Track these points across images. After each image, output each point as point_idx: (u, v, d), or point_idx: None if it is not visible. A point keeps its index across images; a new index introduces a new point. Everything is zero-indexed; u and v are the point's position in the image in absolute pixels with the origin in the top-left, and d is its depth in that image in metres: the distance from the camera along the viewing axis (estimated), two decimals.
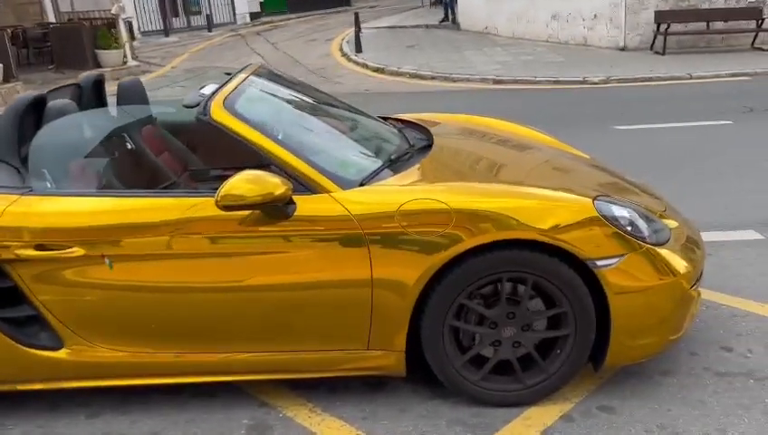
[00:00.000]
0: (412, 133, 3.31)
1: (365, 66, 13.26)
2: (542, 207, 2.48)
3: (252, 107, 2.74)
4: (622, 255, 2.50)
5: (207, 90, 2.80)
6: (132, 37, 17.84)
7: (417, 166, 2.81)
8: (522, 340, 2.59)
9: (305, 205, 2.44)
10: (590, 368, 2.70)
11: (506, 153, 3.26)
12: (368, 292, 2.45)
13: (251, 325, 2.55)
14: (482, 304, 2.56)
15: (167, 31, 18.88)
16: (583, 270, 2.48)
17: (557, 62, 12.20)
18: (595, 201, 2.55)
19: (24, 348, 2.54)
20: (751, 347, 3.05)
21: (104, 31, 13.46)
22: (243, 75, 3.04)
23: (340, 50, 15.34)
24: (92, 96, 3.40)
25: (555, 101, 9.49)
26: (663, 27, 12.22)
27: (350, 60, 14.19)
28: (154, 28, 19.23)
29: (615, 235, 2.50)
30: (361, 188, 2.54)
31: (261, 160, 2.53)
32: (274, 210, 2.39)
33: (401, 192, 2.52)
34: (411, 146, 3.05)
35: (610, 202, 2.61)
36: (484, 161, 3.09)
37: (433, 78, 11.78)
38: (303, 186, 2.47)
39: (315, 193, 2.47)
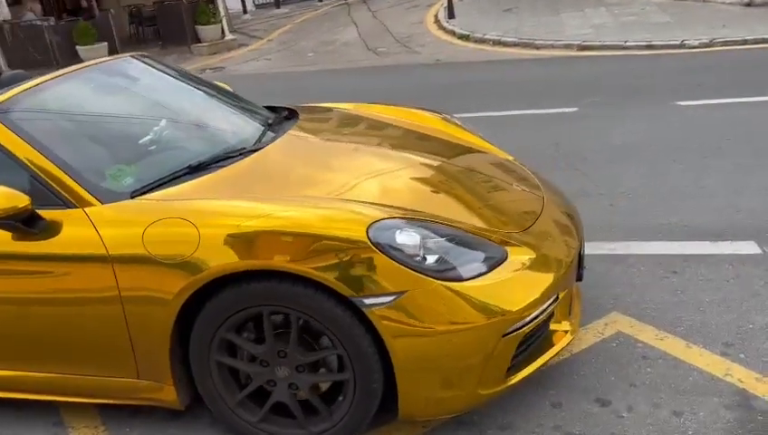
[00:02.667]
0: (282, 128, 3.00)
1: (452, 33, 12.65)
2: (303, 231, 2.11)
3: (34, 113, 2.57)
4: (401, 292, 2.07)
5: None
6: (244, 11, 18.44)
7: (225, 171, 2.52)
8: (297, 382, 2.26)
9: (56, 220, 2.27)
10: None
11: (351, 157, 2.83)
12: (121, 320, 2.24)
13: (26, 344, 2.45)
14: (251, 340, 2.26)
15: (278, 2, 19.26)
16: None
17: (660, 24, 10.81)
18: (373, 225, 2.12)
19: None
20: (634, 404, 2.46)
21: (203, 7, 13.97)
22: (42, 79, 2.82)
23: (435, 16, 14.75)
24: None
25: (629, 68, 8.41)
26: None
27: (440, 27, 13.61)
28: (269, 0, 19.71)
29: (392, 268, 2.07)
30: (123, 202, 2.31)
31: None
32: (14, 226, 2.23)
33: (155, 210, 2.26)
34: (240, 149, 2.74)
35: (396, 227, 2.15)
36: (313, 167, 2.70)
37: (515, 45, 10.95)
38: (59, 198, 2.29)
39: (70, 207, 2.28)
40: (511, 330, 2.17)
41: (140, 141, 2.66)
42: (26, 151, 2.34)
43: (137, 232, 2.19)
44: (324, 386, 2.29)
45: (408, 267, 2.08)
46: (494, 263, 2.24)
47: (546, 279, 2.31)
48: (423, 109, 3.58)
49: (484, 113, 6.81)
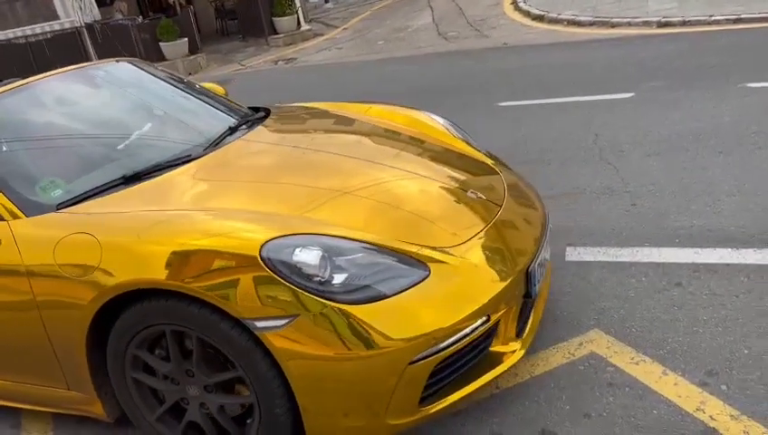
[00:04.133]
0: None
1: (527, 14, 12.12)
2: (196, 247, 2.03)
3: None
4: (293, 316, 1.95)
5: None
6: (325, 0, 18.60)
7: (153, 182, 2.49)
8: (207, 402, 2.20)
9: None
10: None
11: (292, 166, 2.68)
12: (42, 331, 2.27)
13: None
14: (162, 357, 2.21)
15: None
16: None
17: None
18: (268, 243, 2.00)
19: None
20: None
21: None
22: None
23: None
24: None
25: (708, 47, 7.66)
26: None
27: (516, 8, 13.07)
28: None
29: (284, 289, 1.95)
30: (46, 215, 2.33)
31: None
32: None
33: (71, 223, 2.26)
34: (185, 157, 2.68)
35: (296, 244, 2.01)
36: (244, 176, 2.58)
37: (591, 24, 10.31)
38: None
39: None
40: (419, 357, 2.00)
41: (86, 151, 2.68)
42: None
43: (50, 246, 2.20)
44: (237, 407, 2.21)
45: (302, 289, 1.95)
46: (409, 282, 2.07)
47: (471, 300, 2.11)
48: (412, 109, 3.39)
49: (534, 101, 6.47)
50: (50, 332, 2.25)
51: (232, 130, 2.96)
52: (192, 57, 13.03)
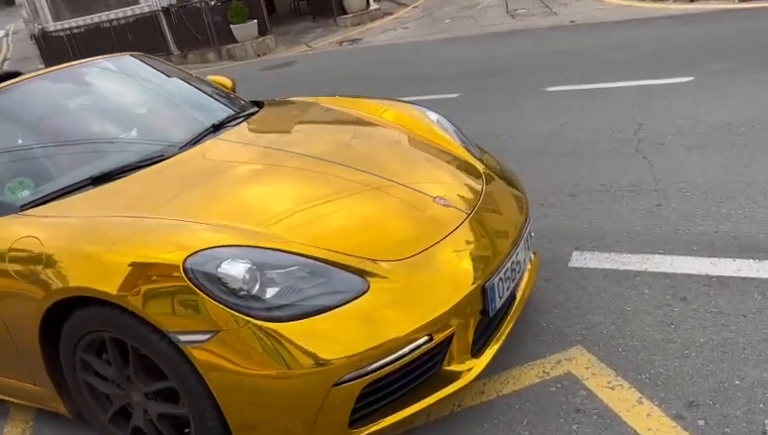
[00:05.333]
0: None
1: None
2: (126, 256, 2.01)
3: None
4: (214, 331, 1.91)
5: None
6: None
7: (116, 184, 2.50)
8: (148, 408, 2.20)
9: None
10: None
11: (254, 170, 2.60)
12: (4, 327, 2.34)
13: None
14: (106, 362, 2.23)
15: None
16: None
17: None
18: (194, 254, 1.95)
19: None
20: None
21: None
22: None
23: None
24: None
25: None
26: None
27: None
28: None
29: (205, 303, 1.90)
30: (7, 216, 2.38)
31: None
32: None
33: (26, 225, 2.30)
34: (157, 157, 2.67)
35: (222, 256, 1.95)
36: (199, 180, 2.52)
37: None
38: None
39: None
40: (345, 379, 1.90)
41: (62, 151, 2.73)
42: None
43: (4, 247, 2.26)
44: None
45: (223, 304, 1.90)
46: (343, 298, 1.97)
47: (408, 320, 1.99)
48: (407, 104, 3.25)
49: (585, 85, 6.13)
50: (9, 328, 2.32)
51: (215, 128, 2.93)
52: (261, 39, 13.20)
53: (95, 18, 15.14)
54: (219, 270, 1.93)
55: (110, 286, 2.00)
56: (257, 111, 3.19)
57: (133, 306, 1.97)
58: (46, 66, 16.32)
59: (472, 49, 9.47)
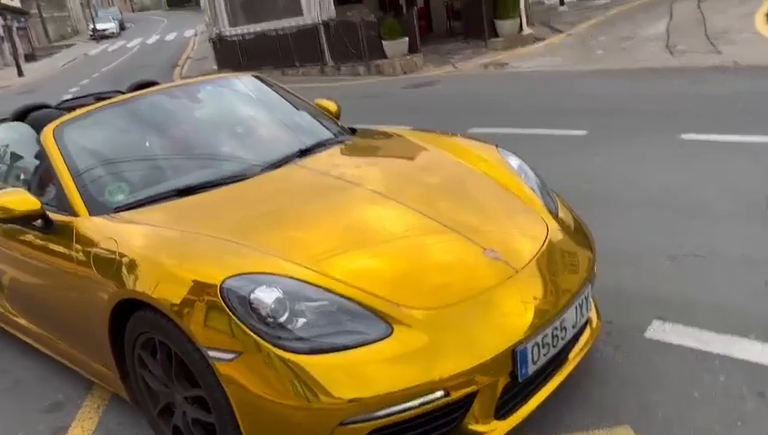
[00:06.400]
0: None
1: None
2: (179, 269, 2.19)
3: (86, 129, 3.06)
4: (238, 352, 2.02)
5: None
6: (561, 2, 17.93)
7: (195, 198, 2.71)
8: (186, 411, 2.35)
9: (62, 223, 2.73)
10: None
11: (322, 199, 2.65)
12: (85, 311, 2.62)
13: (38, 309, 3.08)
14: (156, 362, 2.42)
15: None
16: None
17: None
18: (232, 277, 2.08)
19: None
20: None
21: (504, 0, 13.99)
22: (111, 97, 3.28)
23: None
24: None
25: None
26: None
27: None
28: None
29: (233, 325, 2.02)
30: (103, 216, 2.65)
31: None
32: (29, 225, 2.77)
33: (113, 225, 2.56)
34: (238, 176, 2.86)
35: (258, 282, 2.06)
36: (269, 205, 2.65)
37: None
38: (69, 206, 2.74)
39: (72, 215, 2.72)
40: (352, 420, 1.93)
41: (160, 162, 3.01)
42: (59, 163, 2.85)
43: (91, 244, 2.54)
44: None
45: (250, 328, 2.00)
46: (363, 339, 2.01)
47: (425, 372, 1.98)
48: (491, 145, 3.20)
49: (727, 136, 5.66)
50: (89, 313, 2.59)
51: (301, 153, 3.07)
52: (410, 56, 13.49)
53: (264, 26, 16.30)
54: (252, 295, 2.04)
55: (160, 295, 2.18)
56: (347, 140, 3.30)
57: (176, 317, 2.13)
58: (218, 66, 17.88)
59: (617, 84, 9.06)
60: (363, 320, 2.06)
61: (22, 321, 3.34)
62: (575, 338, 2.43)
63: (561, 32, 14.73)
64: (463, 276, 2.27)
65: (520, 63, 12.23)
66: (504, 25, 14.09)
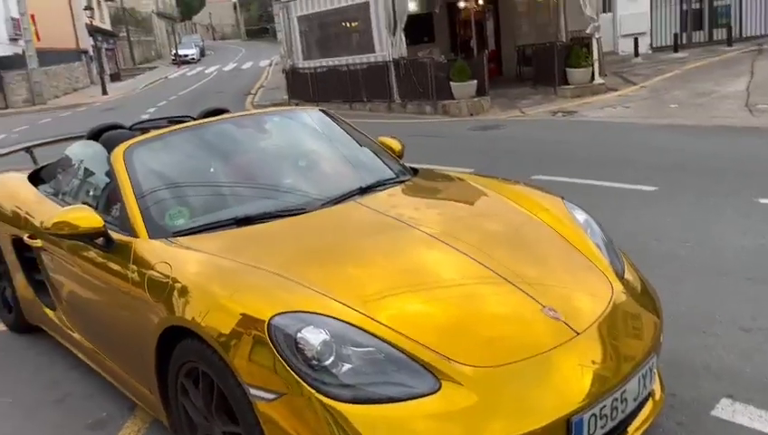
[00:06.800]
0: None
1: None
2: (230, 301, 2.16)
3: (154, 152, 3.12)
4: (280, 393, 1.96)
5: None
6: (635, 53, 17.67)
7: (253, 229, 2.70)
8: None
9: (122, 243, 2.76)
10: None
11: (379, 239, 2.59)
12: (133, 332, 2.63)
13: (91, 325, 3.12)
14: (198, 392, 2.38)
15: (676, 46, 17.79)
16: None
17: None
18: (281, 314, 2.03)
19: None
20: None
21: (576, 50, 13.86)
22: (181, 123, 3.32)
23: None
24: None
25: None
26: None
27: None
28: (671, 43, 18.39)
29: (278, 364, 1.97)
30: (161, 239, 2.67)
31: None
32: (91, 242, 2.81)
33: (170, 250, 2.58)
34: (297, 209, 2.84)
35: (306, 322, 2.01)
36: (326, 240, 2.62)
37: None
38: (130, 227, 2.78)
39: (132, 235, 2.75)
40: None
41: (221, 189, 3.03)
42: (125, 184, 2.90)
43: (147, 266, 2.56)
44: None
45: (293, 369, 1.95)
46: (409, 393, 1.92)
47: (470, 434, 1.87)
48: (557, 196, 3.09)
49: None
50: (138, 334, 2.60)
51: (362, 191, 3.04)
52: (477, 99, 13.48)
53: (336, 61, 16.66)
54: (299, 335, 1.99)
55: (208, 325, 2.16)
56: (408, 180, 3.25)
57: (221, 349, 2.10)
58: (289, 96, 18.34)
59: (691, 140, 8.76)
60: (410, 372, 1.97)
61: (76, 335, 3.39)
62: (636, 411, 2.27)
63: (634, 83, 14.46)
64: (518, 334, 2.16)
65: (589, 112, 12.02)
66: (576, 74, 13.93)
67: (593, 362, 2.13)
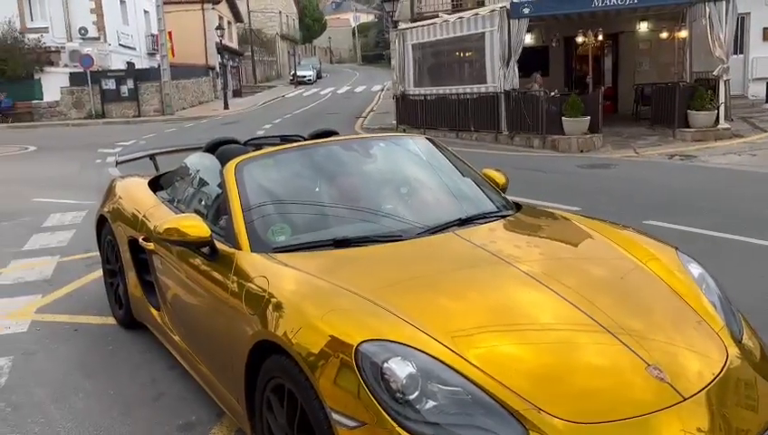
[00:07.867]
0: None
1: None
2: (322, 323, 2.17)
3: (264, 169, 3.22)
4: (361, 422, 1.93)
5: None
6: (767, 99, 16.58)
7: (349, 251, 2.73)
8: None
9: (225, 253, 2.86)
10: None
11: (476, 276, 2.50)
12: (228, 340, 2.70)
13: (189, 330, 3.23)
14: (282, 408, 2.39)
15: None
16: None
17: None
18: (369, 341, 2.01)
19: None
20: None
21: (701, 92, 13.16)
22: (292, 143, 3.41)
23: None
24: None
25: None
26: None
27: None
28: None
29: (362, 391, 1.95)
30: (262, 253, 2.74)
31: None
32: (197, 250, 2.93)
33: (270, 265, 2.63)
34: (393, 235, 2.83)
35: (395, 353, 1.98)
36: (422, 270, 2.57)
37: None
38: (234, 239, 2.87)
39: (235, 247, 2.84)
40: None
41: (324, 209, 3.08)
42: (234, 198, 3.01)
43: (247, 279, 2.63)
44: None
45: (377, 399, 1.92)
46: None
47: None
48: (668, 245, 2.90)
49: None
50: (232, 345, 2.66)
51: (461, 223, 2.99)
52: (588, 136, 13.07)
53: (446, 90, 16.73)
54: (385, 365, 1.96)
55: (298, 343, 2.18)
56: (509, 215, 3.17)
57: (308, 368, 2.11)
58: (397, 122, 18.60)
59: None
60: (497, 418, 1.89)
61: (176, 337, 3.53)
62: None
63: (763, 130, 13.57)
64: (617, 390, 2.02)
65: (710, 158, 11.35)
66: (699, 117, 13.23)
67: (699, 432, 1.95)
